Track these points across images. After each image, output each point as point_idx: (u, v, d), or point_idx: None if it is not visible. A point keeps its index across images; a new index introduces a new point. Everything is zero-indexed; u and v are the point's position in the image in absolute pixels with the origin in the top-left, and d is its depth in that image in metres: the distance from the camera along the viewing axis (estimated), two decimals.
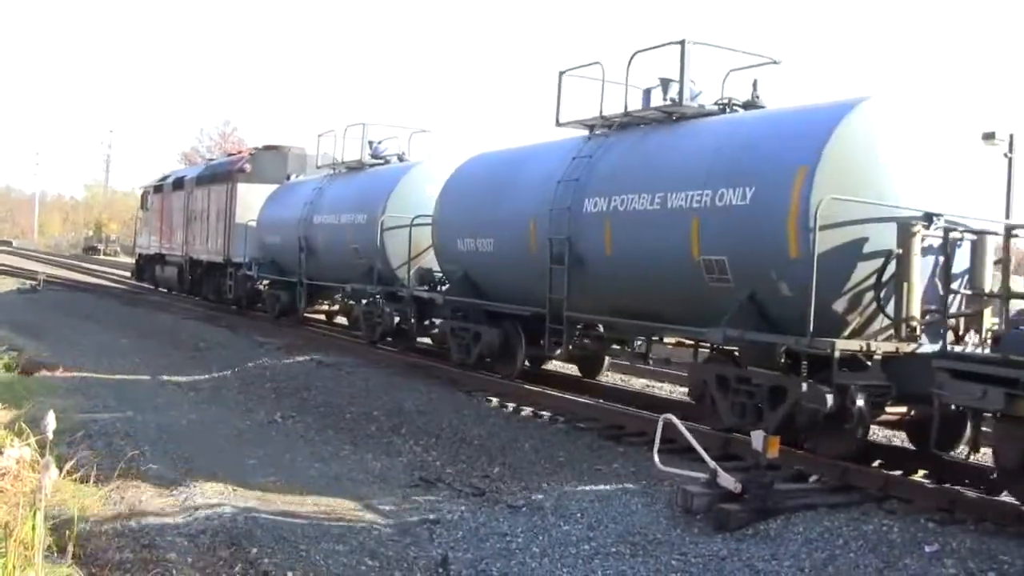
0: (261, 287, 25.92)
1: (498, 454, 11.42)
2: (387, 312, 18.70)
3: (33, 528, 6.36)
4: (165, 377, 17.07)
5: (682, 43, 12.10)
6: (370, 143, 21.53)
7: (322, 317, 25.88)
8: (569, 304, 13.09)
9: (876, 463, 10.27)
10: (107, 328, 24.81)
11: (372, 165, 21.35)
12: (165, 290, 34.92)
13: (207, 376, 17.42)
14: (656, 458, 9.32)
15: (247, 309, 27.38)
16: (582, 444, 11.54)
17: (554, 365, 17.23)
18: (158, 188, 36.02)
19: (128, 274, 47.73)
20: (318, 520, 8.67)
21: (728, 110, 12.38)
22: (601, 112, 13.40)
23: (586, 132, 13.93)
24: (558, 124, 14.22)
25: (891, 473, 9.58)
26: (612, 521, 8.54)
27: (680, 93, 12.21)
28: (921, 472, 9.95)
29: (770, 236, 10.00)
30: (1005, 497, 8.70)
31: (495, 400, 13.98)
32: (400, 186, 18.81)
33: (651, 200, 11.62)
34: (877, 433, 11.59)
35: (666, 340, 13.86)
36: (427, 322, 18.36)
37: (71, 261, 61.82)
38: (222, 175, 29.10)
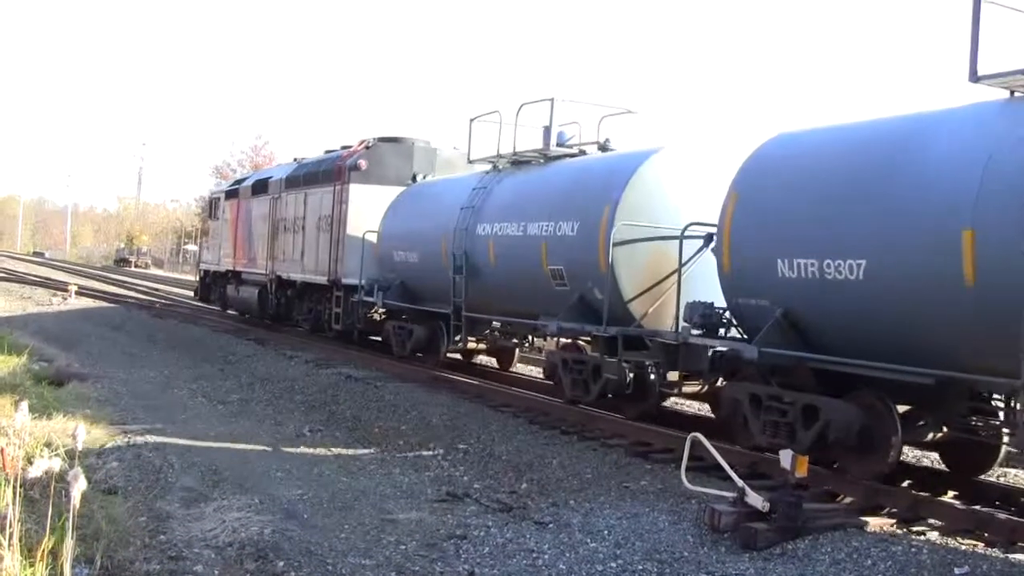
0: (378, 316, 21.13)
1: (526, 470, 11.39)
2: (620, 365, 13.05)
3: (62, 539, 6.40)
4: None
5: None
6: (546, 129, 16.31)
7: (457, 356, 20.23)
8: None
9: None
10: (137, 341, 24.92)
11: (557, 157, 16.20)
12: (236, 313, 30.39)
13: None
14: (684, 476, 9.29)
15: (358, 344, 22.36)
16: (609, 461, 11.51)
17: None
18: (231, 193, 31.03)
19: (159, 287, 48.16)
20: (345, 534, 8.67)
21: None
22: None
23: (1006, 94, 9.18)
24: (975, 78, 9.12)
25: (920, 494, 9.48)
26: (639, 539, 8.50)
27: None
28: (951, 493, 9.85)
29: None
30: None
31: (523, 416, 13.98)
32: (635, 183, 13.29)
33: None
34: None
35: None
36: (654, 374, 13.12)
37: (103, 273, 62.21)
38: (327, 174, 23.39)
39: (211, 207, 33.97)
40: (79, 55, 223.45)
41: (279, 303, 26.21)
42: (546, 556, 8.14)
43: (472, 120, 17.77)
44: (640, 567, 7.89)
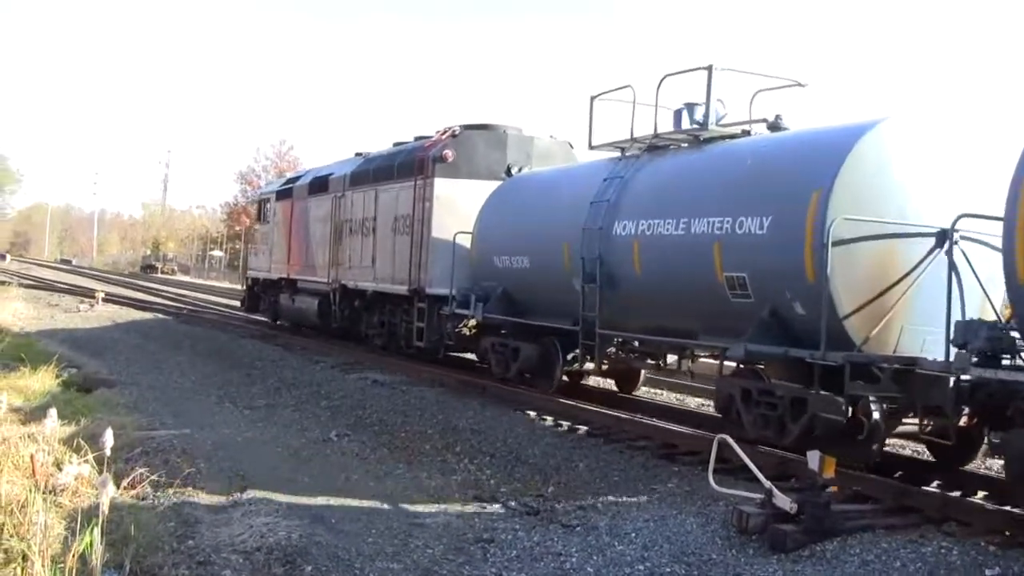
0: (467, 331, 18.10)
1: (553, 473, 11.38)
2: (844, 401, 9.89)
3: (91, 543, 6.44)
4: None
5: None
6: (685, 109, 13.70)
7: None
8: None
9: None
10: (164, 347, 24.99)
11: (711, 139, 13.43)
12: (287, 324, 28.08)
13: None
14: (711, 478, 9.25)
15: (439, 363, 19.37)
16: (636, 463, 11.49)
17: None
18: (284, 193, 28.19)
19: (186, 293, 48.35)
20: (373, 538, 8.68)
21: None
22: None
23: None
24: None
25: (950, 495, 9.40)
26: (667, 541, 8.46)
27: None
28: (981, 494, 9.75)
29: None
30: None
31: (549, 419, 13.96)
32: (852, 164, 10.29)
33: None
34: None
35: None
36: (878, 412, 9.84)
37: (129, 280, 62.57)
38: (405, 167, 20.30)
39: (259, 209, 31.28)
40: (105, 63, 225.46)
41: (344, 315, 23.25)
42: (574, 559, 8.12)
43: (593, 98, 15.01)
44: (668, 570, 7.86)
